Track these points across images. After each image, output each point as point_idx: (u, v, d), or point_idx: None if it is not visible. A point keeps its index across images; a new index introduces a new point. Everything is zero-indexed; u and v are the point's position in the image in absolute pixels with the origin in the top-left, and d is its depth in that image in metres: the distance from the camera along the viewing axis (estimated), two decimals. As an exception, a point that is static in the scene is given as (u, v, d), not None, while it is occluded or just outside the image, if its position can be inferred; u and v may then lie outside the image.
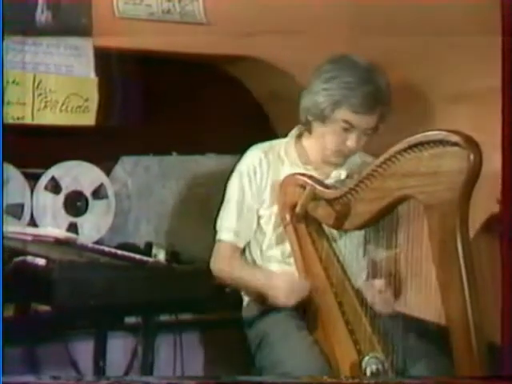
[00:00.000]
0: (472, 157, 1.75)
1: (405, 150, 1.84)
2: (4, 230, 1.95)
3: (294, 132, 2.13)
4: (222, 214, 2.10)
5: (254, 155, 2.08)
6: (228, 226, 2.07)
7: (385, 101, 1.99)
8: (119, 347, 2.32)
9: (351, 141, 1.99)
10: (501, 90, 1.77)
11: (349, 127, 1.98)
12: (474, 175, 1.76)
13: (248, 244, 2.09)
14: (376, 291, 1.92)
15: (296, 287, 1.96)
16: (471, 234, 1.82)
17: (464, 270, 1.77)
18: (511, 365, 1.72)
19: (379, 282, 1.93)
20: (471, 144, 1.76)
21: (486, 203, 2.05)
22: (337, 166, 2.04)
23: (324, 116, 1.99)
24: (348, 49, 2.34)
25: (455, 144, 1.77)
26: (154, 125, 2.46)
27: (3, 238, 1.94)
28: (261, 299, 2.02)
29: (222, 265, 2.06)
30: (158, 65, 2.44)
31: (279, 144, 2.12)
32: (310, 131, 2.06)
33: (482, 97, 2.15)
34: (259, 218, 2.06)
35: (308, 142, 2.09)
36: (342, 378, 1.85)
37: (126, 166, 2.45)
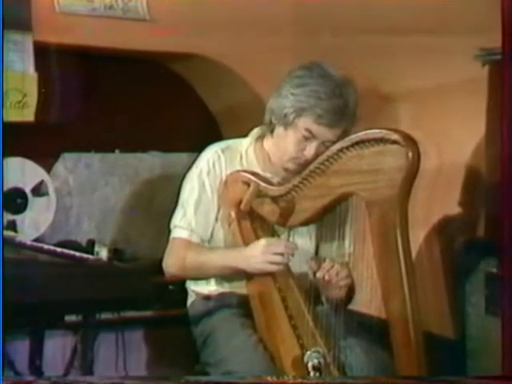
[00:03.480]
0: (410, 154, 1.85)
1: (347, 147, 1.94)
2: None
3: (255, 132, 2.17)
4: (177, 212, 2.13)
5: (213, 153, 2.13)
6: (183, 225, 2.10)
7: (351, 117, 2.01)
8: (59, 346, 2.36)
9: (309, 150, 2.03)
10: (501, 92, 1.83)
11: (309, 136, 2.02)
12: (412, 172, 1.87)
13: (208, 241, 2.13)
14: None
15: (273, 249, 1.99)
16: (411, 229, 1.91)
17: (403, 265, 1.88)
18: (511, 365, 1.78)
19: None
20: (410, 142, 1.87)
21: (425, 199, 2.17)
22: (294, 173, 2.05)
23: (287, 121, 2.02)
24: (292, 46, 2.43)
25: (395, 142, 1.88)
26: (97, 122, 2.51)
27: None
28: (229, 277, 2.07)
29: (177, 258, 2.09)
30: (101, 61, 2.49)
31: (238, 143, 2.16)
32: (272, 133, 2.11)
33: (420, 95, 2.27)
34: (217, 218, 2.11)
35: (269, 145, 2.13)
36: (285, 377, 1.91)
37: (67, 162, 2.50)
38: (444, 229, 2.32)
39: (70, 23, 2.40)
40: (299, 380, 1.89)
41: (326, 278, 1.97)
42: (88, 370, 2.22)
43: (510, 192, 1.80)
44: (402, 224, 1.87)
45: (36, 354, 2.27)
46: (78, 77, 2.47)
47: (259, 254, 1.99)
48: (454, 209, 2.31)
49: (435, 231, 2.31)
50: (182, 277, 2.16)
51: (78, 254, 2.16)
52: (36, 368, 2.28)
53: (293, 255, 1.99)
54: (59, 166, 2.49)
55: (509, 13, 1.78)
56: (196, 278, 2.14)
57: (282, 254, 1.98)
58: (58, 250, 2.15)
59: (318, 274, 1.98)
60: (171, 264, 2.10)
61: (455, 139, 2.26)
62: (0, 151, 1.93)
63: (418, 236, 2.26)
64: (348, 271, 1.99)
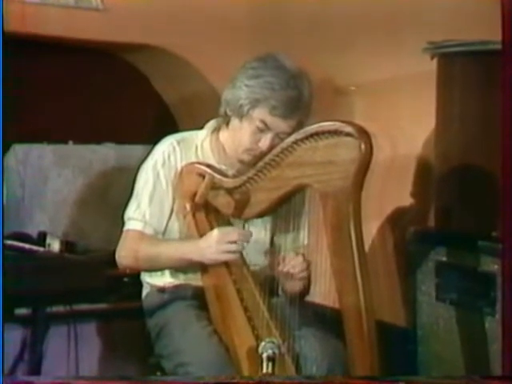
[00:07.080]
0: (363, 146, 1.95)
1: (301, 139, 2.03)
2: None
3: (211, 124, 2.23)
4: (131, 203, 2.18)
5: (168, 144, 2.18)
6: (137, 216, 2.15)
7: (305, 109, 2.08)
8: (9, 340, 2.39)
9: (264, 142, 2.10)
10: (501, 92, 1.88)
11: (264, 128, 2.09)
12: (365, 164, 1.96)
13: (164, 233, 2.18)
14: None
15: (227, 237, 2.05)
16: (364, 220, 2.00)
17: (356, 256, 1.97)
18: (511, 365, 1.83)
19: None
20: (363, 134, 1.96)
21: (378, 191, 2.28)
22: (250, 165, 2.11)
23: (242, 112, 2.08)
24: (247, 38, 2.52)
25: (348, 134, 1.97)
26: (49, 112, 2.55)
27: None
28: (183, 268, 2.13)
29: (130, 250, 2.13)
30: (54, 51, 2.54)
31: (194, 135, 2.22)
32: (227, 125, 2.17)
33: (374, 89, 2.38)
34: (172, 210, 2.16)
35: (225, 137, 2.20)
36: (237, 378, 1.96)
37: (18, 154, 2.53)
38: (396, 219, 2.44)
39: (21, 11, 2.44)
40: (254, 380, 1.94)
41: (286, 270, 2.05)
42: (37, 364, 2.26)
43: (510, 191, 1.85)
44: (355, 215, 1.96)
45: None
46: (29, 67, 2.51)
47: (214, 244, 2.05)
48: (406, 200, 2.43)
49: (388, 222, 2.43)
50: (135, 269, 2.21)
51: (27, 246, 2.21)
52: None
53: (248, 242, 2.06)
54: (10, 158, 2.53)
55: (509, 11, 1.82)
56: (149, 270, 2.19)
57: (236, 242, 2.05)
58: (8, 242, 2.20)
59: (280, 268, 2.06)
60: (124, 256, 2.14)
61: (407, 131, 2.39)
62: (0, 151, 1.95)
63: (370, 227, 2.38)
64: (307, 263, 2.07)
